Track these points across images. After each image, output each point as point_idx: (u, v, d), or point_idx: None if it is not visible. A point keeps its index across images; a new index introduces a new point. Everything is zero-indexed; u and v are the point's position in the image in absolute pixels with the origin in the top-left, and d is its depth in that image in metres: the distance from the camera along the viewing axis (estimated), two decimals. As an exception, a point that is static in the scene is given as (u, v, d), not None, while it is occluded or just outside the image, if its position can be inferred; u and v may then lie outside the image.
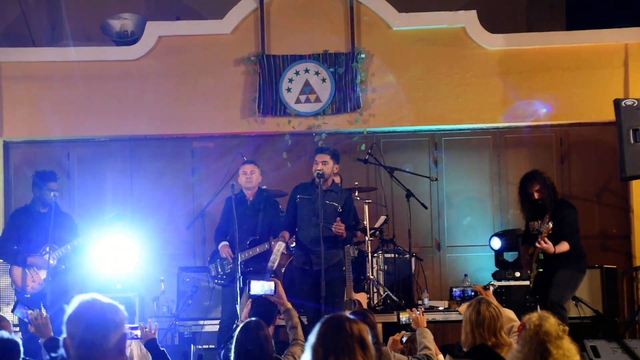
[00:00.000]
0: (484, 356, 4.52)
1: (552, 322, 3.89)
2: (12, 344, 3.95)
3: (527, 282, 7.89)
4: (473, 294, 5.77)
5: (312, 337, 3.40)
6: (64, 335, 2.79)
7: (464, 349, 4.93)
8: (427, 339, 5.63)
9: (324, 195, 7.63)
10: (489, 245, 9.27)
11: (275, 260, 7.60)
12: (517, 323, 5.12)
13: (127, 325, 5.31)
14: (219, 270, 8.05)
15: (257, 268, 7.90)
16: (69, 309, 2.80)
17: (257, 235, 7.99)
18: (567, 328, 3.94)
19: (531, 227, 7.72)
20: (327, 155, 7.73)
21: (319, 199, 7.55)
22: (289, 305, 5.53)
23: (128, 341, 5.32)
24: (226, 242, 8.00)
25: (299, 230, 7.81)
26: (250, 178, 8.01)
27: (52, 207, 7.83)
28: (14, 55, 9.95)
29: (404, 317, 5.97)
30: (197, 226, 9.59)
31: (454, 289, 5.83)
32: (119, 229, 8.24)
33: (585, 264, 7.80)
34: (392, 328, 7.35)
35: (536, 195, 7.67)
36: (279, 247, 7.64)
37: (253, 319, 4.92)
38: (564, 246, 7.49)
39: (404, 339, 6.05)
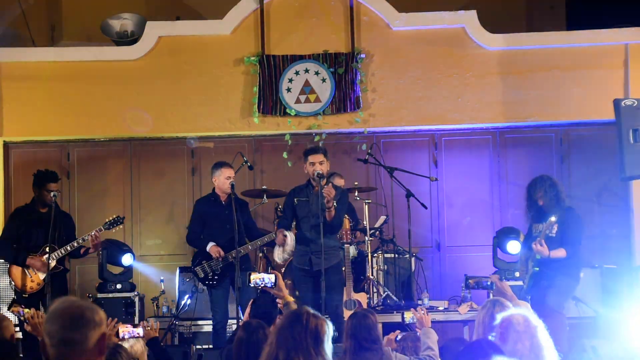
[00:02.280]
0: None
1: (533, 316, 3.99)
2: (10, 346, 3.95)
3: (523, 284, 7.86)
4: (488, 284, 5.75)
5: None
6: (43, 334, 2.80)
7: None
8: (431, 339, 5.61)
9: (322, 195, 7.63)
10: (505, 251, 9.02)
11: (290, 250, 7.60)
12: None
13: (128, 325, 5.34)
14: (208, 271, 8.04)
15: (248, 266, 7.93)
16: (48, 310, 2.81)
17: (244, 234, 8.02)
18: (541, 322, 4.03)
19: (534, 229, 7.70)
20: (322, 154, 7.74)
21: (319, 199, 7.55)
22: (290, 298, 5.53)
23: (133, 340, 5.33)
24: (214, 243, 8.01)
25: (298, 232, 7.82)
26: (232, 183, 8.07)
27: (51, 207, 7.83)
28: (14, 55, 9.94)
29: (408, 317, 5.96)
30: (197, 226, 9.61)
31: (469, 280, 5.85)
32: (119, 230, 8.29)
33: (580, 271, 7.76)
34: (392, 328, 7.34)
35: (540, 202, 7.64)
36: (292, 239, 7.65)
37: (254, 319, 4.92)
38: (560, 252, 7.41)
39: (399, 338, 6.04)
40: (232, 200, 7.97)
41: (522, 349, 3.92)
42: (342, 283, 7.94)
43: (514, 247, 8.89)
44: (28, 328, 5.31)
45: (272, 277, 5.53)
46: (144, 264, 9.50)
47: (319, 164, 7.65)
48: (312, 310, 3.49)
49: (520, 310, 4.06)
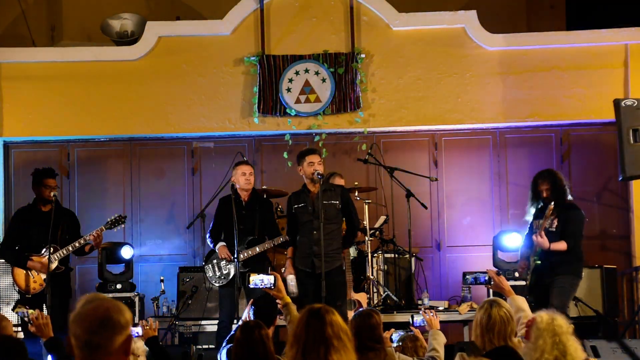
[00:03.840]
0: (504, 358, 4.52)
1: (562, 318, 4.11)
2: (18, 344, 3.95)
3: (525, 282, 7.85)
4: (485, 279, 5.74)
5: (296, 326, 3.46)
6: (69, 334, 2.78)
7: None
8: (438, 341, 5.61)
9: (320, 197, 7.64)
10: (505, 248, 8.95)
11: (293, 289, 7.64)
12: (526, 313, 5.09)
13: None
14: (216, 270, 8.05)
15: (256, 268, 7.90)
16: (75, 308, 2.78)
17: (256, 235, 8.01)
18: (572, 326, 4.15)
19: (535, 225, 7.71)
20: (319, 155, 7.79)
21: (319, 199, 7.56)
22: (288, 299, 5.53)
23: (135, 338, 5.34)
24: (224, 243, 8.00)
25: (300, 236, 7.81)
26: (249, 179, 8.03)
27: (53, 205, 7.83)
28: (14, 55, 9.94)
29: (417, 318, 5.95)
30: (197, 226, 9.62)
31: (467, 275, 5.90)
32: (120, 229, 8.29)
33: (582, 268, 7.77)
34: (392, 328, 7.35)
35: (544, 194, 7.65)
36: (292, 279, 7.70)
37: (253, 319, 4.92)
38: (560, 245, 7.43)
39: (396, 337, 6.03)
40: (253, 199, 8.03)
41: (544, 344, 4.05)
42: (344, 285, 7.93)
43: (513, 239, 8.80)
44: (32, 329, 5.30)
45: (272, 278, 5.53)
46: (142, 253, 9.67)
47: (317, 164, 7.66)
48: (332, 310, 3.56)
49: (551, 312, 4.19)
